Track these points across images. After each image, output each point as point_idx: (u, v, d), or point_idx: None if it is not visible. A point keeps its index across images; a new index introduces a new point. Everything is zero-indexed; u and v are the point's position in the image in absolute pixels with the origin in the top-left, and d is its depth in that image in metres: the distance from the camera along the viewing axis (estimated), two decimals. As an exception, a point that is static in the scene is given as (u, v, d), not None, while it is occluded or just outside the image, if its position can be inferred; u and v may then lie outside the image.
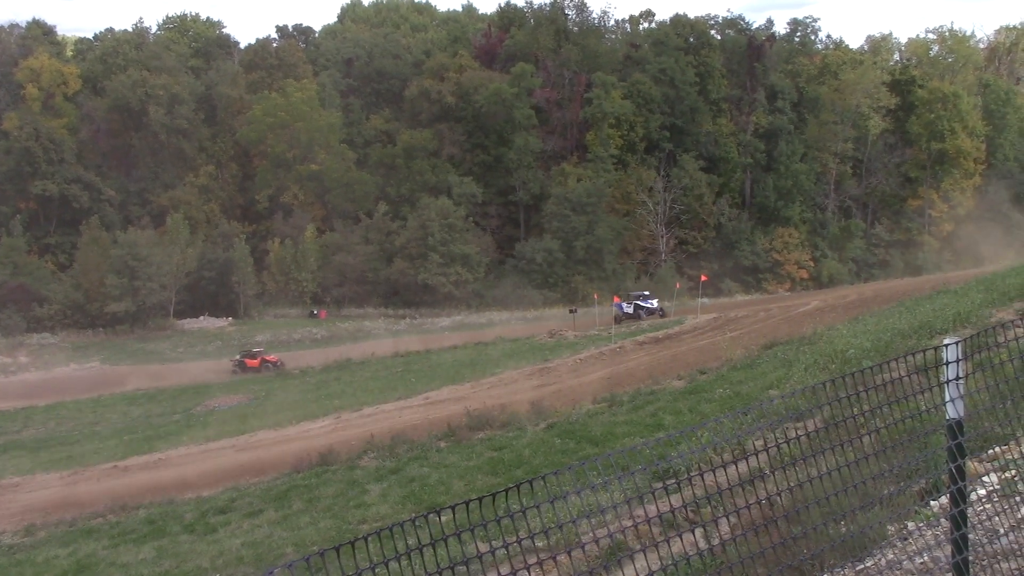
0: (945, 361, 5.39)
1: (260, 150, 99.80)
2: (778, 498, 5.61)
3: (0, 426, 51.73)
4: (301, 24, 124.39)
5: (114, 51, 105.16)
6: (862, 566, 6.20)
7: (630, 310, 66.00)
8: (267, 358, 64.90)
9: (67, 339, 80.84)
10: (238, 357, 66.41)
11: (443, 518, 4.69)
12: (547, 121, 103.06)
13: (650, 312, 65.61)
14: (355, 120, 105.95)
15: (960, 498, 5.46)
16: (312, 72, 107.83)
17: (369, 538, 4.59)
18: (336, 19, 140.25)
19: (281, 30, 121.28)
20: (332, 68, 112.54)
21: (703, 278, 67.77)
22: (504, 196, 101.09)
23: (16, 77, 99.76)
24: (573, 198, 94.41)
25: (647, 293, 71.23)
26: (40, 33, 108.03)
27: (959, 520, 5.44)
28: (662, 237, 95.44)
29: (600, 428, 20.28)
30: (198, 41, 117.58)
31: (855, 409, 5.73)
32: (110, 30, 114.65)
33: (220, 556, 16.92)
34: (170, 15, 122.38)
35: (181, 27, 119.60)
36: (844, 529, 5.83)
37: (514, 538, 4.77)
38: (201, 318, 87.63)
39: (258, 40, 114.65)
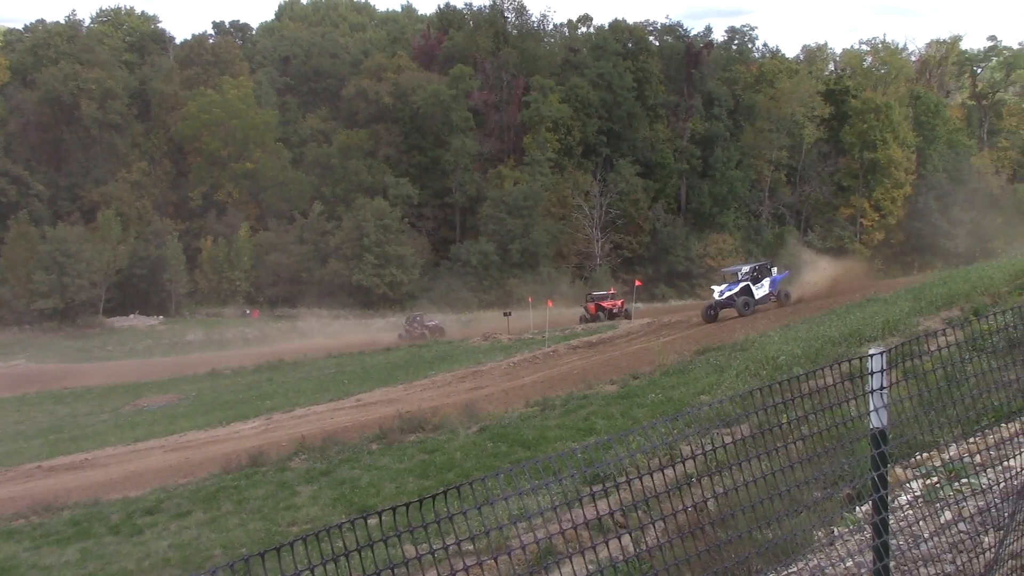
0: (870, 371, 5.46)
1: (194, 147, 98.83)
2: (707, 504, 5.65)
3: (-80, 425, 50.71)
4: (238, 21, 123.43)
5: (45, 43, 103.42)
6: (787, 571, 6.25)
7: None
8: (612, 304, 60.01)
9: (-9, 336, 79.50)
10: (588, 302, 62.03)
11: (372, 522, 4.66)
12: (484, 123, 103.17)
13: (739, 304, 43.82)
14: (291, 119, 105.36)
15: (882, 506, 5.53)
16: (249, 69, 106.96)
17: (298, 542, 4.55)
18: (274, 17, 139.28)
19: (218, 26, 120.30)
20: (269, 66, 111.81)
21: (637, 283, 68.07)
22: (440, 198, 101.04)
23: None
24: (509, 201, 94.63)
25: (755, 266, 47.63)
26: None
27: (880, 527, 5.51)
28: (597, 241, 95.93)
29: (532, 432, 20.30)
30: (132, 35, 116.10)
31: (784, 416, 5.78)
32: (41, 21, 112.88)
33: (146, 558, 16.70)
34: (104, 8, 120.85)
35: (115, 20, 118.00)
36: (771, 534, 5.88)
37: (445, 542, 4.75)
38: (131, 316, 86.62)
39: (194, 36, 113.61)
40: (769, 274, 46.01)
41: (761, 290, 44.73)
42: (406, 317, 68.28)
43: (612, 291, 64.38)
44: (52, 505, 22.34)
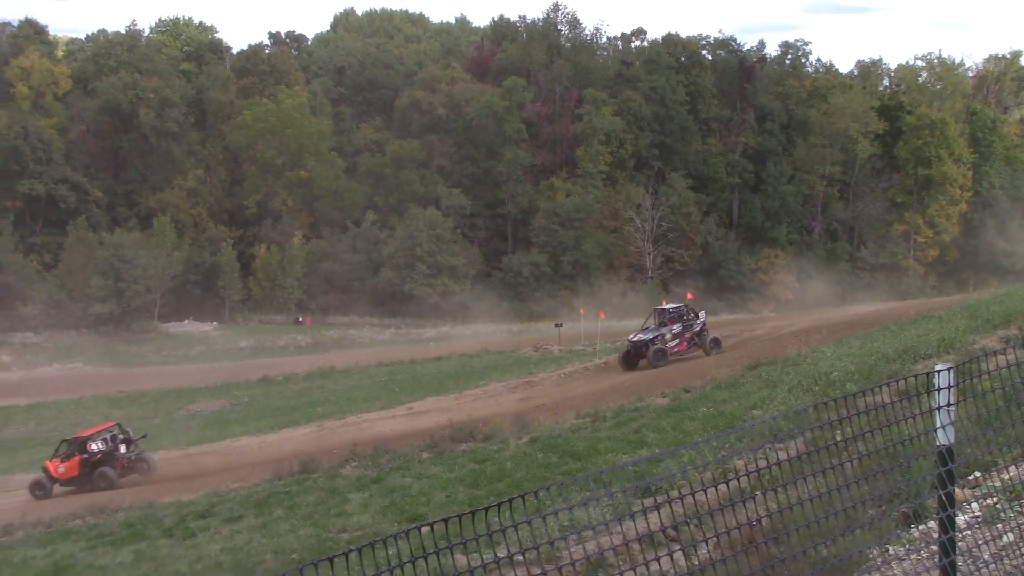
0: (936, 387, 5.42)
1: (249, 155, 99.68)
2: (761, 520, 5.63)
3: (-19, 424, 51.71)
4: (294, 31, 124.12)
5: (106, 52, 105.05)
6: (843, 588, 6.20)
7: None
8: None
9: (50, 339, 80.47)
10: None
11: (425, 531, 4.70)
12: (537, 135, 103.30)
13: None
14: (345, 128, 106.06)
15: (949, 525, 5.49)
16: (304, 79, 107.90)
17: (359, 551, 4.60)
18: (329, 28, 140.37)
19: (274, 37, 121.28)
20: (324, 76, 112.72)
21: (689, 296, 67.61)
22: (492, 209, 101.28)
23: (6, 75, 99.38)
24: (561, 213, 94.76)
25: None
26: (32, 32, 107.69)
27: (948, 547, 5.47)
28: (649, 254, 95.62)
29: (583, 443, 20.25)
30: (190, 45, 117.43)
31: (839, 433, 5.76)
32: (102, 31, 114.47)
33: (199, 561, 16.83)
34: (163, 18, 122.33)
35: (173, 31, 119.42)
36: (826, 552, 5.85)
37: (498, 553, 4.78)
38: (186, 322, 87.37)
39: (250, 46, 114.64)
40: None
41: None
42: None
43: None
44: (107, 507, 22.68)
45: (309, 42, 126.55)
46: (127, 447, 31.09)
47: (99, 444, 30.80)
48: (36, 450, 40.29)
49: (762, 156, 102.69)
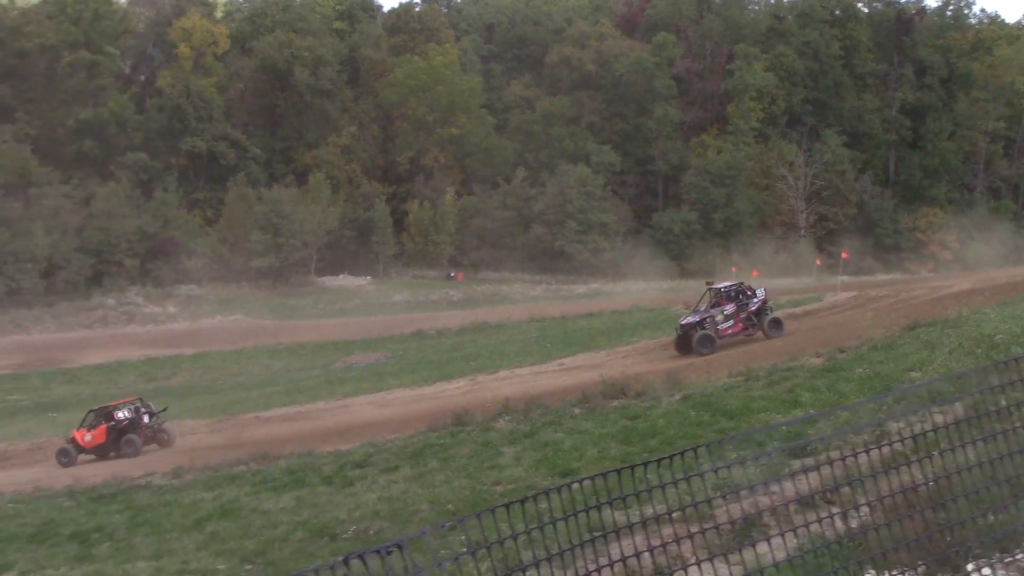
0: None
1: (401, 112, 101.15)
2: (922, 485, 5.58)
3: (151, 372, 54.27)
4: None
5: (262, 12, 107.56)
6: (1011, 558, 6.10)
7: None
8: None
9: (213, 292, 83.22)
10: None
11: (577, 486, 4.81)
12: (687, 92, 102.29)
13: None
14: (495, 85, 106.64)
15: None
16: (454, 37, 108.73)
17: (521, 503, 4.75)
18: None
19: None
20: (473, 33, 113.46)
21: (844, 255, 66.22)
22: (642, 166, 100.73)
23: (170, 37, 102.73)
24: (712, 170, 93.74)
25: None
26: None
27: None
28: (802, 212, 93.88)
29: (736, 402, 20.03)
30: (342, 4, 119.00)
31: (1004, 398, 5.67)
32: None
33: (357, 509, 17.19)
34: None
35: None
36: (992, 520, 5.77)
37: (650, 511, 4.88)
38: (341, 276, 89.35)
39: (401, 4, 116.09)
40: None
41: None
42: None
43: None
44: (269, 454, 23.46)
45: (458, 0, 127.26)
46: (150, 418, 32.04)
47: (125, 413, 31.87)
48: (202, 397, 42.00)
49: (921, 112, 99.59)
